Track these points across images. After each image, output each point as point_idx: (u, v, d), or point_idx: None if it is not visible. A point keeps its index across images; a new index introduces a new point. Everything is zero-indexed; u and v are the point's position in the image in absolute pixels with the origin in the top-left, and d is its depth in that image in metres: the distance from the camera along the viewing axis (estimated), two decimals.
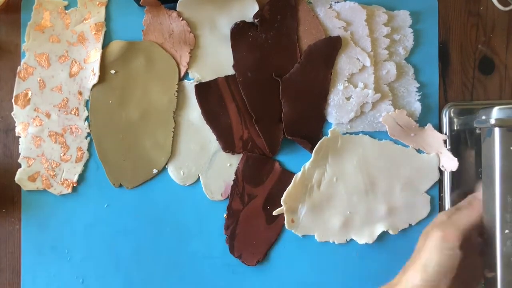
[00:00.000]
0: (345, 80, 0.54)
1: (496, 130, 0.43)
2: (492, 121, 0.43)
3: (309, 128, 0.55)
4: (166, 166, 0.55)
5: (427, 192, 0.55)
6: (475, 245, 0.45)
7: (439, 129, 0.55)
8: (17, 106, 0.55)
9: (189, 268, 0.55)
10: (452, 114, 0.54)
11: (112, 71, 0.55)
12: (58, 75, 0.55)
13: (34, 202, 0.55)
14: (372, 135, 0.55)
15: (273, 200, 0.54)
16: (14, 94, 0.55)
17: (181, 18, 0.54)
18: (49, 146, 0.54)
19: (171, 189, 0.55)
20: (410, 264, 0.44)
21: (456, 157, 0.52)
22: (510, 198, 0.43)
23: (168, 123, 0.55)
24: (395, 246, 0.55)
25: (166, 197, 0.55)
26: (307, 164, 0.54)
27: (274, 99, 0.54)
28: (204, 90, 0.54)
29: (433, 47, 0.55)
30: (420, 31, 0.55)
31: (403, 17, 0.55)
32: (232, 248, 0.55)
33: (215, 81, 0.55)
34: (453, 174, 0.53)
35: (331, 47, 0.54)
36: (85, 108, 0.55)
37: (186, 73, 0.55)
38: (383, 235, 0.54)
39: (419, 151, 0.55)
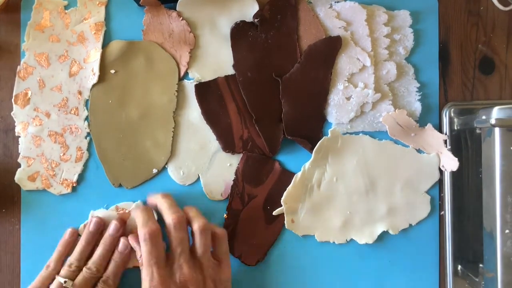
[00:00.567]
0: (345, 80, 0.54)
1: (496, 130, 0.43)
2: (492, 121, 0.43)
3: (309, 128, 0.55)
4: (166, 166, 0.55)
5: (427, 192, 0.55)
6: None
7: (439, 129, 0.55)
8: (17, 106, 0.55)
9: None
10: (452, 114, 0.54)
11: (112, 71, 0.55)
12: (58, 75, 0.55)
13: (34, 202, 0.55)
14: (372, 135, 0.55)
15: (273, 200, 0.54)
16: (14, 93, 0.55)
17: (181, 18, 0.54)
18: (49, 146, 0.54)
19: (171, 189, 0.55)
20: None
21: (456, 157, 0.52)
22: (510, 198, 0.43)
23: (168, 123, 0.55)
24: (395, 246, 0.55)
25: None
26: (307, 164, 0.54)
27: (274, 99, 0.54)
28: (204, 90, 0.54)
29: (433, 47, 0.55)
30: (420, 31, 0.55)
31: (403, 17, 0.55)
32: (232, 248, 0.54)
33: (215, 81, 0.55)
34: (453, 174, 0.53)
35: (331, 47, 0.54)
36: (84, 107, 0.55)
37: (186, 73, 0.55)
38: (383, 235, 0.54)
39: (419, 151, 0.55)
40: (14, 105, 0.55)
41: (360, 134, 0.55)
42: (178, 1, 0.54)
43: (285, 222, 0.54)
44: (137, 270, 0.51)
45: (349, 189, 0.54)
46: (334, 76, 0.54)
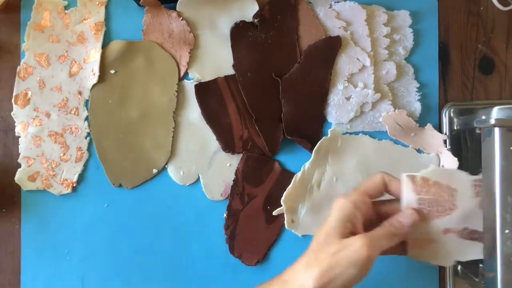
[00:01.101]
0: (345, 80, 0.54)
1: (496, 130, 0.43)
2: (492, 121, 0.43)
3: (309, 128, 0.55)
4: (166, 166, 0.55)
5: None
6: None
7: (439, 129, 0.55)
8: (17, 106, 0.55)
9: (189, 268, 0.55)
10: (452, 114, 0.54)
11: (112, 71, 0.55)
12: (58, 75, 0.55)
13: (34, 202, 0.55)
14: (372, 135, 0.55)
15: (273, 200, 0.54)
16: (14, 94, 0.55)
17: (181, 18, 0.54)
18: (49, 146, 0.54)
19: (171, 189, 0.55)
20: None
21: (456, 157, 0.52)
22: (510, 198, 0.43)
23: (168, 123, 0.55)
24: None
25: (166, 197, 0.55)
26: (307, 164, 0.54)
27: (274, 99, 0.54)
28: (204, 90, 0.54)
29: (433, 47, 0.55)
30: (420, 31, 0.55)
31: (403, 17, 0.55)
32: (232, 248, 0.54)
33: (215, 81, 0.55)
34: None
35: (331, 47, 0.54)
36: (84, 108, 0.55)
37: (186, 73, 0.55)
38: None
39: (419, 151, 0.55)
40: (14, 105, 0.55)
41: (360, 134, 0.55)
42: (178, 1, 0.54)
43: (285, 222, 0.54)
44: None
45: (349, 189, 0.54)
46: (334, 76, 0.54)
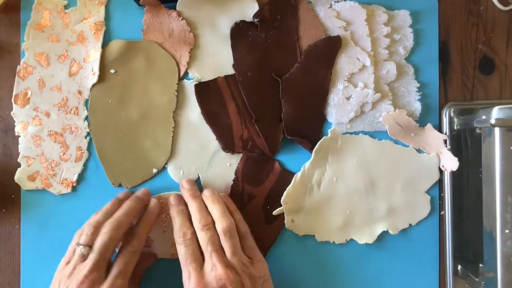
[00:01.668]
0: (345, 80, 0.54)
1: (496, 130, 0.43)
2: (492, 121, 0.43)
3: (309, 128, 0.55)
4: (166, 166, 0.55)
5: (427, 192, 0.55)
6: None
7: (439, 129, 0.55)
8: (17, 106, 0.55)
9: None
10: (452, 114, 0.54)
11: (112, 71, 0.54)
12: (58, 75, 0.55)
13: (34, 201, 0.55)
14: (372, 135, 0.55)
15: (273, 200, 0.54)
16: (14, 93, 0.55)
17: (181, 17, 0.54)
18: (49, 146, 0.54)
19: (171, 189, 0.55)
20: None
21: (456, 157, 0.52)
22: (510, 198, 0.43)
23: (168, 122, 0.55)
24: (395, 246, 0.55)
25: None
26: (307, 164, 0.54)
27: (274, 99, 0.54)
28: (204, 90, 0.54)
29: (433, 47, 0.55)
30: (420, 31, 0.55)
31: (403, 17, 0.55)
32: None
33: (214, 80, 0.55)
34: (453, 174, 0.53)
35: (331, 47, 0.54)
36: (84, 107, 0.55)
37: (186, 73, 0.55)
38: (383, 235, 0.54)
39: (419, 151, 0.55)
40: (14, 105, 0.55)
41: (360, 134, 0.55)
42: (178, 1, 0.54)
43: (285, 222, 0.54)
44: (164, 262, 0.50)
45: (349, 189, 0.54)
46: (334, 76, 0.54)
